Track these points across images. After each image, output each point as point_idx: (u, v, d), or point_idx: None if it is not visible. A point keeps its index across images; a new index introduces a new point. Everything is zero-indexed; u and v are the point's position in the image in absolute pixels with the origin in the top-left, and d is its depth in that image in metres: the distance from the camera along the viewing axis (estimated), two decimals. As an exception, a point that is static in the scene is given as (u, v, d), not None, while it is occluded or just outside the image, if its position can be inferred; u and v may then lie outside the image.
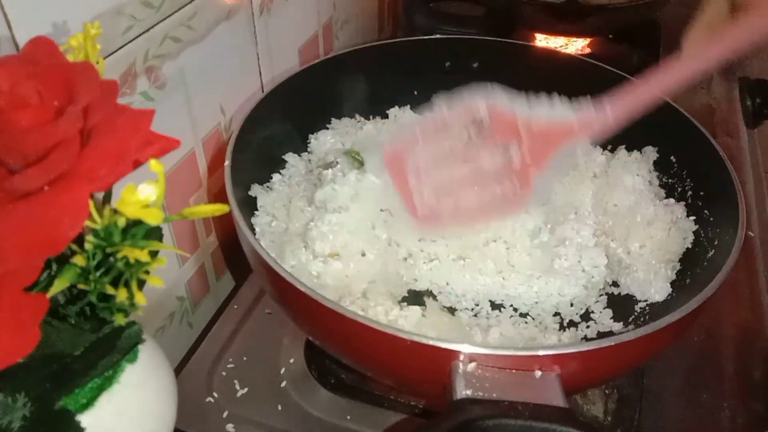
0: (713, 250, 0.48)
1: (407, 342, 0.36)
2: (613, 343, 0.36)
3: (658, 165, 0.58)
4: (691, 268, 0.50)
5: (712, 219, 0.51)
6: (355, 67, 0.63)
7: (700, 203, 0.53)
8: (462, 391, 0.35)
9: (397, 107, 0.65)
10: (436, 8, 0.89)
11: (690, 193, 0.54)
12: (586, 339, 0.47)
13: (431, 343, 0.36)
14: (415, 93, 0.67)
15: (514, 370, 0.36)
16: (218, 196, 0.56)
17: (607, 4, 0.80)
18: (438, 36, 0.69)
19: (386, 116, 0.65)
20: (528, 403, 0.34)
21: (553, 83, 0.63)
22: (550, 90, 0.64)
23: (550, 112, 0.45)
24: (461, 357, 0.36)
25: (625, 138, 0.60)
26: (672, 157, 0.57)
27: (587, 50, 0.86)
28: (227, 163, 0.47)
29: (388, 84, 0.65)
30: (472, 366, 0.36)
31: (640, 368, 0.51)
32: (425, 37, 0.68)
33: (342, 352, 0.45)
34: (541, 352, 0.36)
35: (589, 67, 0.63)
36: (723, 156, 0.51)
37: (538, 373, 0.36)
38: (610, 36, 0.88)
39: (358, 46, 0.64)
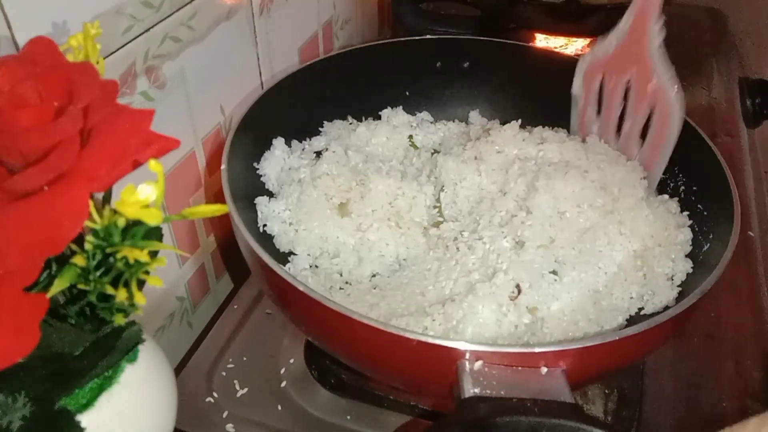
0: (708, 244, 0.48)
1: (413, 342, 0.36)
2: (616, 338, 0.36)
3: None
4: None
5: (705, 213, 0.51)
6: (346, 68, 0.63)
7: (693, 198, 0.53)
8: (470, 390, 0.35)
9: (389, 108, 0.65)
10: (427, 8, 0.89)
11: (683, 188, 0.54)
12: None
13: (437, 342, 0.36)
14: (407, 93, 0.67)
15: (520, 367, 0.36)
16: (218, 196, 0.56)
17: (607, 4, 0.80)
18: (428, 36, 0.69)
19: (379, 117, 0.65)
20: (536, 400, 0.34)
21: (544, 83, 0.64)
22: (541, 89, 0.64)
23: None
24: (467, 355, 0.36)
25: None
26: None
27: (587, 50, 0.86)
28: (223, 167, 0.47)
29: (379, 85, 0.65)
30: (478, 364, 0.36)
31: (641, 368, 0.51)
32: (416, 38, 0.68)
33: (344, 354, 0.45)
34: (546, 349, 0.36)
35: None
36: (714, 149, 0.51)
37: (544, 370, 0.36)
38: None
39: (349, 47, 0.64)
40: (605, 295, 0.48)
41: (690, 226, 0.51)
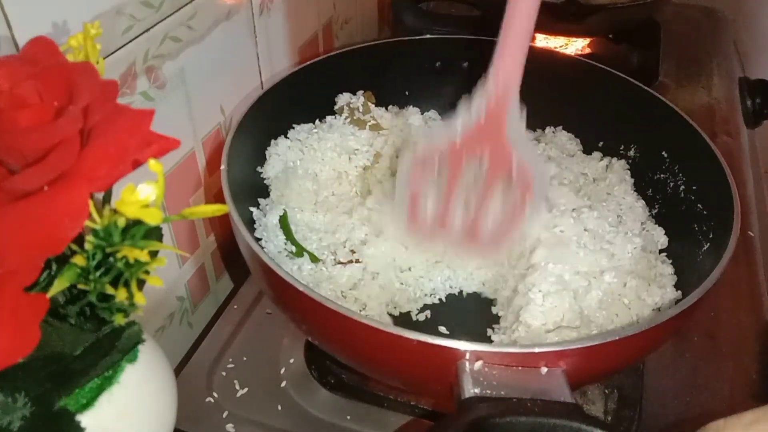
0: (708, 244, 0.48)
1: (413, 342, 0.36)
2: (617, 338, 0.36)
3: (649, 160, 0.58)
4: (687, 262, 0.50)
5: (705, 213, 0.51)
6: (346, 68, 0.63)
7: (693, 198, 0.53)
8: (470, 390, 0.35)
9: (383, 109, 0.65)
10: (426, 8, 0.89)
11: (683, 188, 0.54)
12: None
13: (437, 342, 0.36)
14: (407, 93, 0.67)
15: (520, 367, 0.36)
16: (218, 196, 0.56)
17: (607, 4, 0.80)
18: (428, 36, 0.69)
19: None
20: (536, 400, 0.34)
21: (544, 82, 0.64)
22: (541, 89, 0.64)
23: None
24: (467, 356, 0.36)
25: (614, 133, 0.61)
26: (663, 152, 0.57)
27: (587, 50, 0.86)
28: (223, 167, 0.47)
29: (379, 84, 0.65)
30: (478, 364, 0.36)
31: (641, 368, 0.51)
32: (415, 38, 0.68)
33: (345, 355, 0.45)
34: (546, 349, 0.36)
35: (579, 66, 0.63)
36: (714, 149, 0.51)
37: (544, 370, 0.36)
38: (610, 36, 0.88)
39: (349, 47, 0.64)
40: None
41: (690, 226, 0.51)
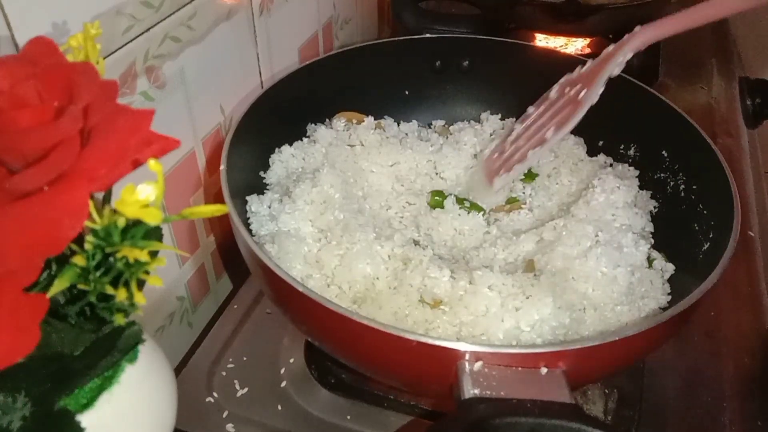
0: (708, 244, 0.48)
1: (413, 343, 0.36)
2: (616, 338, 0.36)
3: (649, 160, 0.58)
4: (687, 262, 0.50)
5: (705, 213, 0.51)
6: (346, 68, 0.63)
7: (693, 198, 0.53)
8: (470, 391, 0.35)
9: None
10: (426, 8, 0.89)
11: (683, 188, 0.54)
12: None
13: (437, 343, 0.36)
14: (407, 92, 0.67)
15: (519, 368, 0.36)
16: (218, 197, 0.56)
17: (607, 4, 0.80)
18: (427, 35, 0.69)
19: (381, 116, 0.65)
20: (536, 401, 0.34)
21: (545, 82, 0.64)
22: (541, 88, 0.64)
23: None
24: (467, 356, 0.36)
25: (614, 133, 0.61)
26: (663, 152, 0.57)
27: (587, 50, 0.86)
28: (223, 167, 0.47)
29: (379, 84, 0.65)
30: (478, 365, 0.36)
31: (641, 367, 0.51)
32: (415, 37, 0.68)
33: (344, 355, 0.45)
34: (545, 349, 0.36)
35: (577, 64, 0.63)
36: (714, 149, 0.51)
37: (544, 370, 0.36)
38: (610, 36, 0.88)
39: (348, 47, 0.64)
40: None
41: (690, 226, 0.51)
